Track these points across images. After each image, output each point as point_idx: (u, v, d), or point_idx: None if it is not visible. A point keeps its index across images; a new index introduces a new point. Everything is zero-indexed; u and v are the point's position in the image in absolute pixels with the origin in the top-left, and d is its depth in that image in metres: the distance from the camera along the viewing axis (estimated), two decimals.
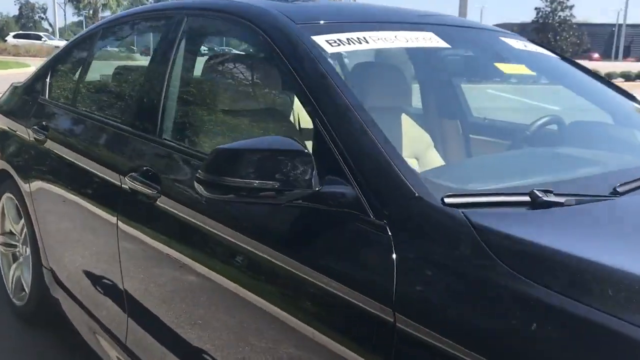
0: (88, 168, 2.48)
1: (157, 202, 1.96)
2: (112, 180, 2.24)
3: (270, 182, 1.40)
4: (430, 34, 2.09)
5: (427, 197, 1.34)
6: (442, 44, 2.07)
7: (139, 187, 2.04)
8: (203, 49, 2.53)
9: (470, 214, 1.28)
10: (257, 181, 1.40)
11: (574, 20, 65.23)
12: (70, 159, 2.65)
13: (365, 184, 1.41)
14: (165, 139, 2.13)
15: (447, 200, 1.33)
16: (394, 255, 1.28)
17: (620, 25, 70.17)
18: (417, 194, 1.34)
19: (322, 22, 1.98)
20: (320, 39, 1.83)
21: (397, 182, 1.38)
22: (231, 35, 2.37)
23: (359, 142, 1.48)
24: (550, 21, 64.03)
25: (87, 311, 2.59)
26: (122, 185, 2.15)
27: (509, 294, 1.12)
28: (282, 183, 1.39)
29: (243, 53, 2.45)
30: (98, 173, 2.38)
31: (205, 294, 1.80)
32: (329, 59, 1.74)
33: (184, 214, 1.85)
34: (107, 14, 60.22)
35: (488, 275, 1.16)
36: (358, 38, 1.91)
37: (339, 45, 1.84)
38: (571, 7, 64.23)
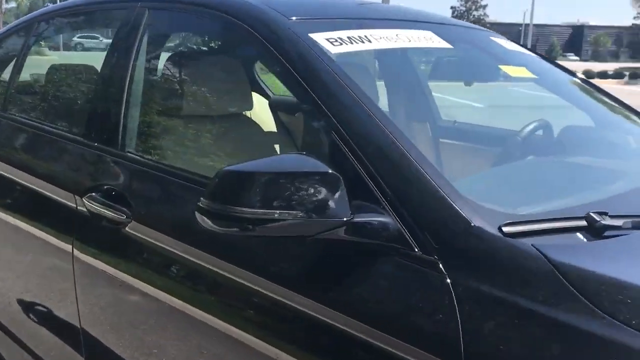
0: (31, 186, 2.11)
1: (127, 229, 1.65)
2: (64, 201, 1.90)
3: (293, 212, 1.15)
4: (430, 33, 1.89)
5: (485, 227, 1.13)
6: (443, 44, 1.88)
7: (102, 210, 1.73)
8: (175, 47, 2.22)
9: (542, 246, 1.08)
10: (277, 211, 1.15)
11: (487, 20, 67.77)
12: (6, 174, 2.27)
13: (405, 211, 1.19)
14: (129, 152, 1.82)
15: (505, 229, 1.14)
16: (455, 299, 1.07)
17: (527, 25, 73.39)
18: (473, 223, 1.13)
19: (315, 18, 1.74)
20: (319, 37, 1.58)
21: (446, 208, 1.16)
22: (207, 33, 2.07)
23: (392, 161, 1.25)
24: (465, 20, 66.15)
25: (28, 350, 2.22)
26: (79, 208, 1.82)
27: (614, 346, 0.93)
28: (307, 212, 1.15)
29: (218, 51, 2.16)
30: (45, 192, 2.02)
31: (198, 341, 1.51)
32: (336, 61, 1.50)
33: (166, 245, 1.55)
34: (12, 5, 56.80)
35: (583, 324, 0.97)
36: (360, 37, 1.68)
37: (341, 44, 1.61)
38: (485, 7, 66.65)
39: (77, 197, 1.83)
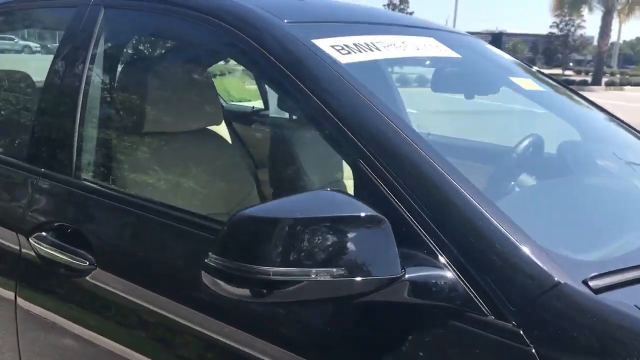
0: None
1: (90, 279, 1.34)
2: (4, 241, 1.55)
3: (333, 270, 0.89)
4: (433, 40, 1.67)
5: (572, 283, 0.92)
6: (450, 53, 1.66)
7: (55, 253, 1.40)
8: (139, 53, 1.89)
9: None
10: (313, 269, 0.89)
11: None
12: None
13: (468, 264, 0.95)
14: (86, 180, 1.50)
15: (592, 284, 0.92)
16: None
17: None
18: (557, 279, 0.91)
19: (310, 21, 1.48)
20: (324, 44, 1.33)
21: (523, 260, 0.94)
22: (179, 37, 1.74)
23: (444, 200, 1.02)
24: None
25: None
26: (23, 250, 1.48)
27: None
28: (350, 269, 0.90)
29: (192, 58, 1.85)
30: None
31: None
32: (350, 73, 1.26)
33: (149, 304, 1.24)
34: None
35: None
36: (366, 44, 1.44)
37: (349, 53, 1.36)
38: (411, 14, 67.96)
39: (20, 236, 1.49)
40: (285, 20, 1.38)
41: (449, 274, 0.95)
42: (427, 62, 1.71)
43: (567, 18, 38.48)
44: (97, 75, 1.59)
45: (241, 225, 0.92)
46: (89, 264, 1.33)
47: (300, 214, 0.91)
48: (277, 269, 0.88)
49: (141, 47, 1.89)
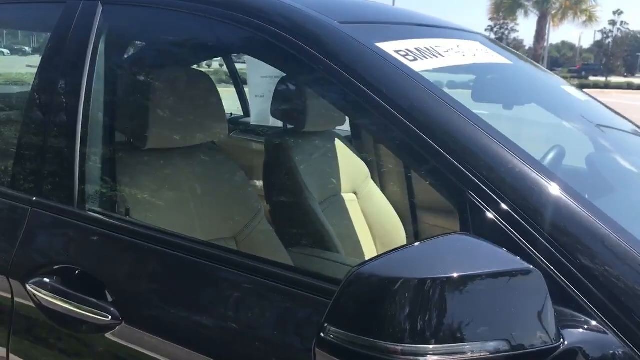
0: None
1: (111, 336, 1.08)
2: None
3: (489, 344, 0.70)
4: (479, 44, 1.50)
5: None
6: (500, 58, 1.49)
7: (59, 303, 1.13)
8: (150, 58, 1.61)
9: None
10: (467, 345, 0.69)
11: None
12: None
13: (633, 324, 0.77)
14: (92, 211, 1.24)
15: None
16: None
17: None
18: None
19: (363, 22, 1.27)
20: (387, 48, 1.13)
21: None
22: (205, 40, 1.47)
23: (585, 239, 0.83)
24: None
25: None
26: (17, 299, 1.21)
27: None
28: (511, 340, 0.70)
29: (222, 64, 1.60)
30: None
31: None
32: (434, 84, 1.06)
33: None
34: None
35: None
36: (427, 48, 1.24)
37: (415, 59, 1.16)
38: None
39: (13, 281, 1.21)
40: (337, 21, 1.17)
41: (612, 338, 0.77)
42: (491, 69, 1.53)
43: (501, 22, 39.65)
44: (99, 84, 1.32)
45: (358, 286, 0.71)
46: (111, 318, 1.07)
47: (438, 270, 0.70)
48: (415, 347, 0.68)
49: (152, 51, 1.61)
